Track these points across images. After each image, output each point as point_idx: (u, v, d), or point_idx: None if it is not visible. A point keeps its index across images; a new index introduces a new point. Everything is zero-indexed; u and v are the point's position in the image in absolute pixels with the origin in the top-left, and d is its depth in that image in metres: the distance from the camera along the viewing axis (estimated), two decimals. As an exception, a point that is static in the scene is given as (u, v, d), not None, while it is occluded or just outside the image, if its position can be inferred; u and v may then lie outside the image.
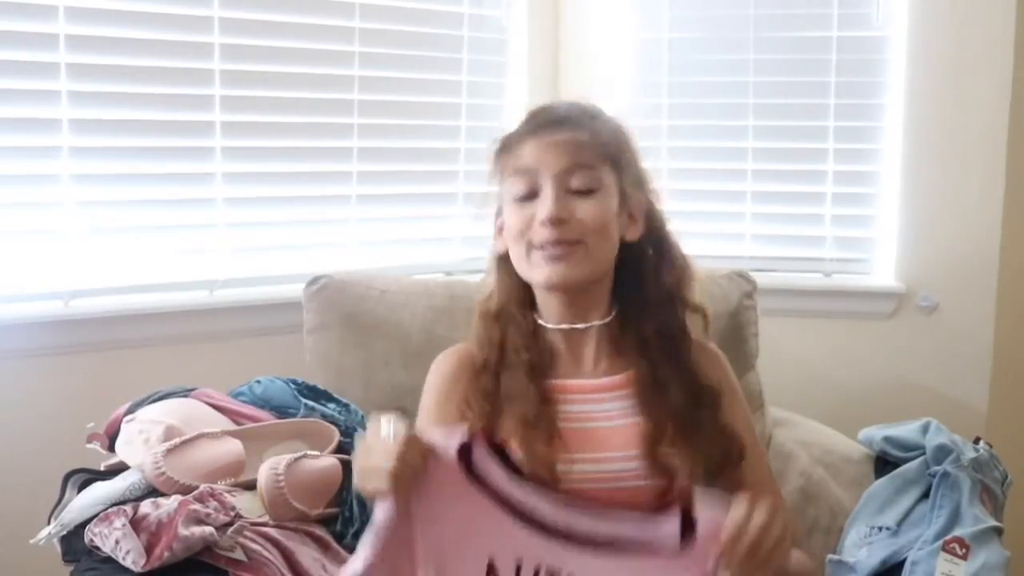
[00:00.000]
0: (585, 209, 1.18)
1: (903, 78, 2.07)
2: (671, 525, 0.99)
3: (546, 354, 1.24)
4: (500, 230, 1.26)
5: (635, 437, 1.17)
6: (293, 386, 1.49)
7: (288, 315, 1.77)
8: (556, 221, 1.16)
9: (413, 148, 2.13)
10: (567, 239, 1.17)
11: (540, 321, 1.24)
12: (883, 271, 2.15)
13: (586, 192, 1.19)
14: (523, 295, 1.25)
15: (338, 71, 2.02)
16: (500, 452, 1.04)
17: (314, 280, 1.71)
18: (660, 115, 2.22)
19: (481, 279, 1.38)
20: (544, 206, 1.16)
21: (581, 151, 1.18)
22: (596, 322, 1.24)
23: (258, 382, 1.53)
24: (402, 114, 2.10)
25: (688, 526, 0.98)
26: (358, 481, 1.02)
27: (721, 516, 0.96)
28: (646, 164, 1.28)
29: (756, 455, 1.26)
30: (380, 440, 1.00)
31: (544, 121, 1.20)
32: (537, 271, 1.19)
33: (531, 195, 1.18)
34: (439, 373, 1.27)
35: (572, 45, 2.28)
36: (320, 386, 1.53)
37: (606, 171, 1.20)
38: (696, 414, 1.20)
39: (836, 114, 2.12)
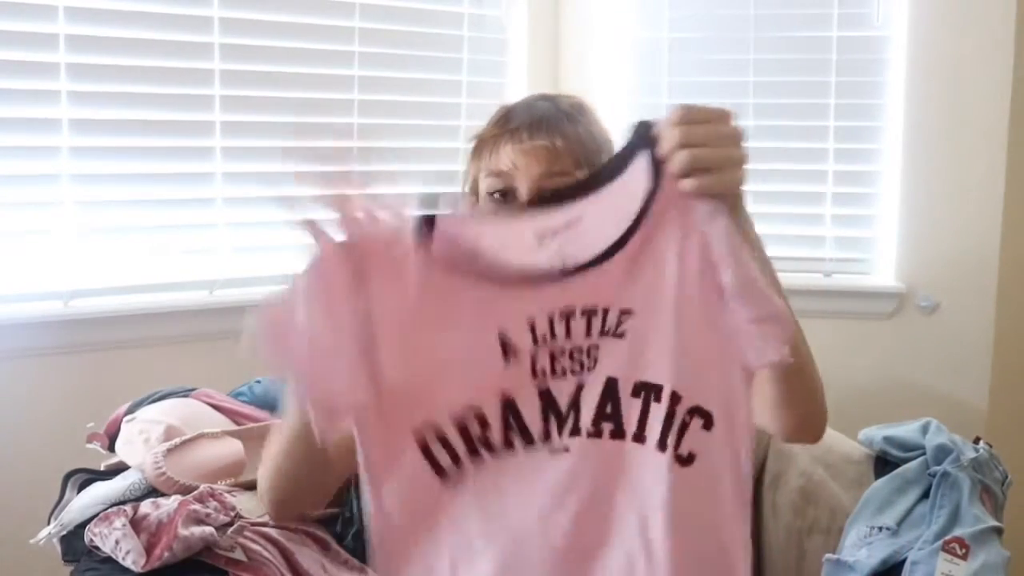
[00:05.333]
0: None
1: (903, 78, 2.07)
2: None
3: None
4: None
5: None
6: (293, 386, 1.49)
7: (288, 315, 1.77)
8: None
9: (413, 148, 2.13)
10: None
11: None
12: (883, 271, 2.14)
13: None
14: None
15: (338, 71, 2.02)
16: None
17: (314, 280, 1.71)
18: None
19: None
20: None
21: (557, 158, 1.16)
22: None
23: (258, 382, 1.53)
24: (402, 114, 2.10)
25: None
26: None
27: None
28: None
29: None
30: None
31: (521, 124, 1.17)
32: None
33: (505, 195, 1.18)
34: None
35: (572, 45, 2.28)
36: (320, 386, 1.52)
37: (581, 176, 1.19)
38: None
39: (836, 114, 2.12)
